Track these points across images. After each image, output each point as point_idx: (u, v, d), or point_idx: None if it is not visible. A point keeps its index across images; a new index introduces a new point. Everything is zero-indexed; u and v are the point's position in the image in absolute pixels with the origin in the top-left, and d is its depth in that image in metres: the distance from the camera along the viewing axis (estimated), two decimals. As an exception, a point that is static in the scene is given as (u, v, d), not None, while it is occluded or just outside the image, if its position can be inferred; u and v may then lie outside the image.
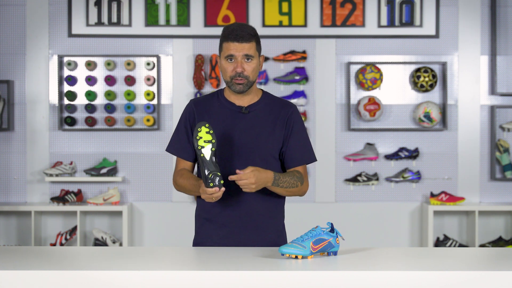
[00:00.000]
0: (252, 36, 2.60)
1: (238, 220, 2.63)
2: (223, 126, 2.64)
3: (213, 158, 2.46)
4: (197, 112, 2.69)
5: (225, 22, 5.44)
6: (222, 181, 2.44)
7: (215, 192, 2.44)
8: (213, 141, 2.47)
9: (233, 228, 2.63)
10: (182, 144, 2.70)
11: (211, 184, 2.43)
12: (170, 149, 2.75)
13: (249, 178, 2.46)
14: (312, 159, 2.72)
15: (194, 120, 2.68)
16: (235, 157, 2.62)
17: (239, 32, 2.58)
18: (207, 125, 2.49)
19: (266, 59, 5.44)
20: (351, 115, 5.47)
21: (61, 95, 5.44)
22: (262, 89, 2.76)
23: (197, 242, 2.71)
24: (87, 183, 5.47)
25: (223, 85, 5.45)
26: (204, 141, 2.47)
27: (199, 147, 2.46)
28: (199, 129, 2.48)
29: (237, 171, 2.48)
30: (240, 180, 2.47)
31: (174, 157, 5.43)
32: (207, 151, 2.46)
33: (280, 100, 2.74)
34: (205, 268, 2.13)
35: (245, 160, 2.61)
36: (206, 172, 2.44)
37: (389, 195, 5.49)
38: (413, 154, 5.44)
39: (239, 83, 2.60)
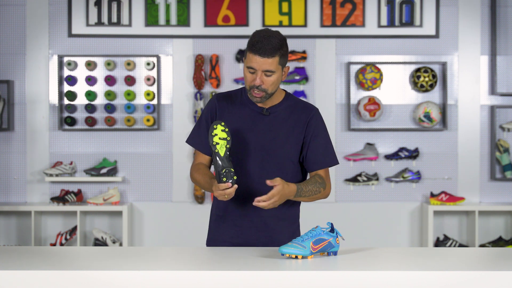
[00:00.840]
0: (276, 50, 2.52)
1: (250, 221, 2.63)
2: (242, 126, 2.64)
3: (227, 155, 2.47)
4: (219, 107, 2.68)
5: (225, 22, 5.44)
6: (235, 177, 2.45)
7: (227, 188, 2.44)
8: (228, 138, 2.49)
9: (244, 228, 2.64)
10: (202, 138, 2.69)
11: (224, 179, 2.44)
12: (190, 141, 2.75)
13: (274, 197, 2.44)
14: (334, 162, 2.68)
15: (216, 115, 2.68)
16: (251, 158, 2.62)
17: (264, 45, 2.50)
18: (222, 123, 2.50)
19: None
20: (351, 115, 5.47)
21: (61, 95, 5.44)
22: (285, 90, 2.74)
23: (209, 239, 2.73)
24: (87, 183, 5.47)
25: (223, 85, 5.45)
26: (219, 138, 2.49)
27: (214, 143, 2.48)
28: (214, 127, 2.49)
29: (268, 182, 2.45)
30: (264, 202, 2.45)
31: (174, 157, 5.44)
32: (221, 148, 2.48)
33: (303, 102, 2.71)
34: (205, 268, 2.13)
35: (261, 162, 2.61)
36: (220, 168, 2.46)
37: (389, 195, 5.49)
38: (413, 154, 5.44)
39: (256, 96, 2.58)
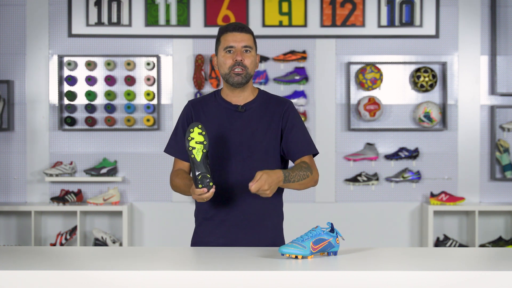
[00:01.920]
0: (249, 29, 2.66)
1: (235, 219, 2.63)
2: (219, 125, 2.65)
3: (204, 160, 2.45)
4: (194, 112, 2.70)
5: (225, 22, 5.44)
6: (211, 183, 2.44)
7: (203, 193, 2.45)
8: (205, 142, 2.46)
9: (229, 227, 2.64)
10: (180, 145, 2.71)
11: (200, 186, 2.44)
12: (168, 149, 2.77)
13: (262, 185, 2.41)
14: (314, 150, 2.71)
15: (192, 120, 2.70)
16: (232, 156, 2.63)
17: (238, 25, 2.64)
18: (199, 126, 2.48)
19: (266, 59, 5.44)
20: (351, 115, 5.47)
21: (61, 95, 5.44)
22: (258, 88, 2.78)
23: (194, 241, 2.72)
24: (87, 183, 5.47)
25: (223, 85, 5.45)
26: (196, 142, 2.46)
27: (190, 148, 2.45)
28: (191, 130, 2.46)
29: (250, 184, 2.41)
30: (257, 189, 2.41)
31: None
32: (198, 152, 2.45)
33: (276, 97, 2.75)
34: (205, 268, 2.13)
35: (242, 159, 2.62)
36: (196, 173, 2.44)
37: (389, 195, 5.49)
38: (413, 154, 5.44)
39: (238, 74, 2.61)
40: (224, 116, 2.67)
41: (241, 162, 2.61)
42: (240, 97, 2.69)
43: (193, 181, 2.46)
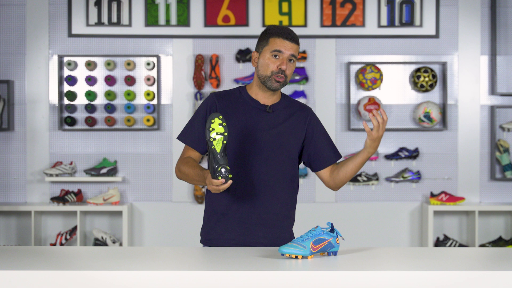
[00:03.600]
0: (298, 40, 2.69)
1: (256, 218, 2.65)
2: (246, 123, 2.66)
3: (224, 151, 2.43)
4: (219, 105, 2.68)
5: (225, 22, 5.44)
6: (230, 175, 2.42)
7: (221, 184, 2.42)
8: (225, 134, 2.44)
9: (250, 225, 2.64)
10: (196, 134, 2.69)
11: (219, 178, 2.41)
12: (182, 138, 2.74)
13: (383, 123, 2.59)
14: (340, 155, 2.80)
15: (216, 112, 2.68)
16: (256, 154, 2.64)
17: (291, 32, 2.66)
18: (220, 116, 2.46)
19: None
20: (351, 115, 5.47)
21: (61, 95, 5.44)
22: (280, 91, 2.81)
23: (210, 238, 2.70)
24: (87, 183, 5.47)
25: (223, 85, 5.45)
26: (216, 133, 2.44)
27: (211, 139, 2.43)
28: (212, 121, 2.44)
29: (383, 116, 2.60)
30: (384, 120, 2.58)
31: (174, 156, 5.44)
32: (218, 144, 2.43)
33: (298, 102, 2.81)
34: (205, 268, 2.13)
35: (266, 158, 2.64)
36: (215, 165, 2.41)
37: (389, 195, 5.49)
38: (413, 154, 5.44)
39: (278, 81, 2.64)
40: (251, 114, 2.68)
41: (265, 161, 2.64)
42: (268, 99, 2.72)
43: (211, 172, 2.43)
